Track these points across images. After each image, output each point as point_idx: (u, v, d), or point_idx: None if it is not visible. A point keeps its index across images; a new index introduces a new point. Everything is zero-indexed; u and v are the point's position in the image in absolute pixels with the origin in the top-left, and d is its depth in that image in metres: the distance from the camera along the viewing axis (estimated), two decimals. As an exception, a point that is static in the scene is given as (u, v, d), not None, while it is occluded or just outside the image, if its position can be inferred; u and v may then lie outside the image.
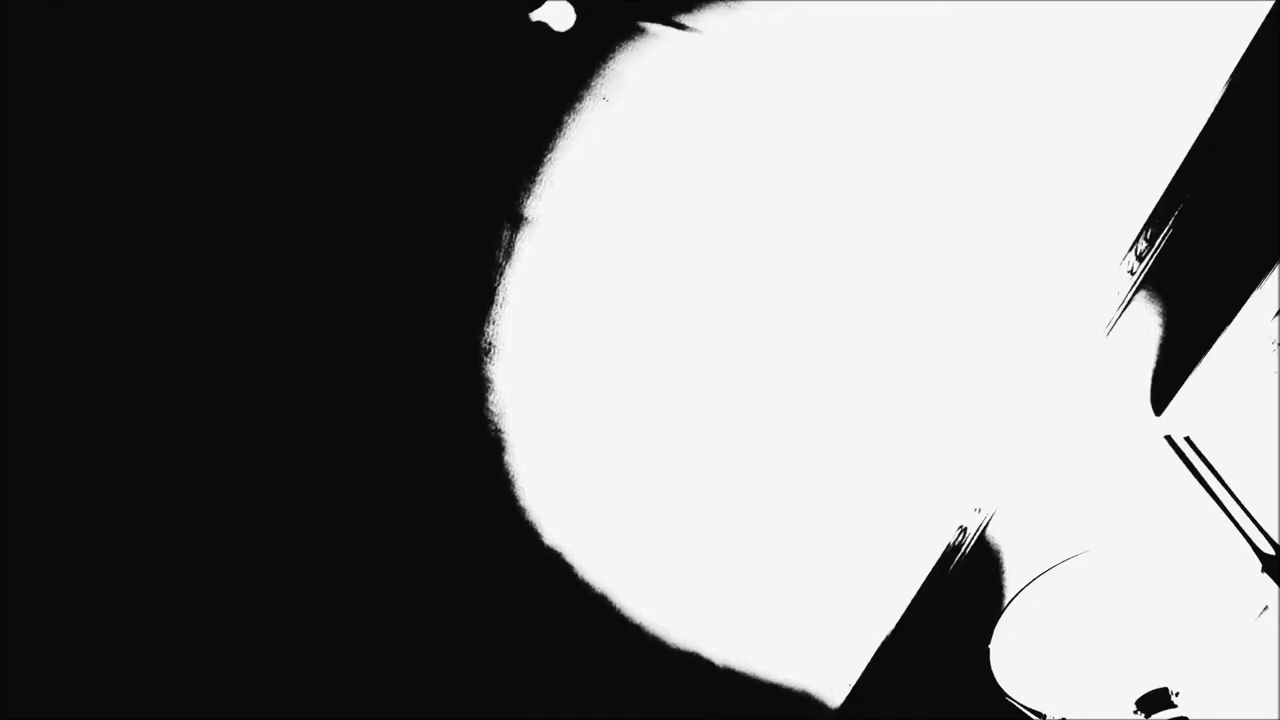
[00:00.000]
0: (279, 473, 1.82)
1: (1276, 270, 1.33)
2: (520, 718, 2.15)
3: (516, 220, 1.56)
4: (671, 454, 1.76)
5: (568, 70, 1.43)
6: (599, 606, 1.97)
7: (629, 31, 1.40)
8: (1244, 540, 1.51)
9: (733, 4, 1.36)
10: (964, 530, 1.76)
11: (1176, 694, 1.42)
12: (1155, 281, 1.47)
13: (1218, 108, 1.33)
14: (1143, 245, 1.44)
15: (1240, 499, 1.48)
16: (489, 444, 1.78)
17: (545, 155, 1.51)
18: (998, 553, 1.77)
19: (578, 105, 1.46)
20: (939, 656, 1.93)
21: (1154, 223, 1.42)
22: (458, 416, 1.76)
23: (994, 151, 1.42)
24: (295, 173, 1.54)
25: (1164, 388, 1.53)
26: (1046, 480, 1.68)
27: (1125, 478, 1.62)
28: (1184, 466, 1.55)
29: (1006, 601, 1.53)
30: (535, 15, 1.38)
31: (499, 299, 1.64)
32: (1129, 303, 1.49)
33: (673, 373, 1.68)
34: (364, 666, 2.09)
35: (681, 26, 1.39)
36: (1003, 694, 1.62)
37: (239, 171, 1.54)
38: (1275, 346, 1.34)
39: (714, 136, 1.46)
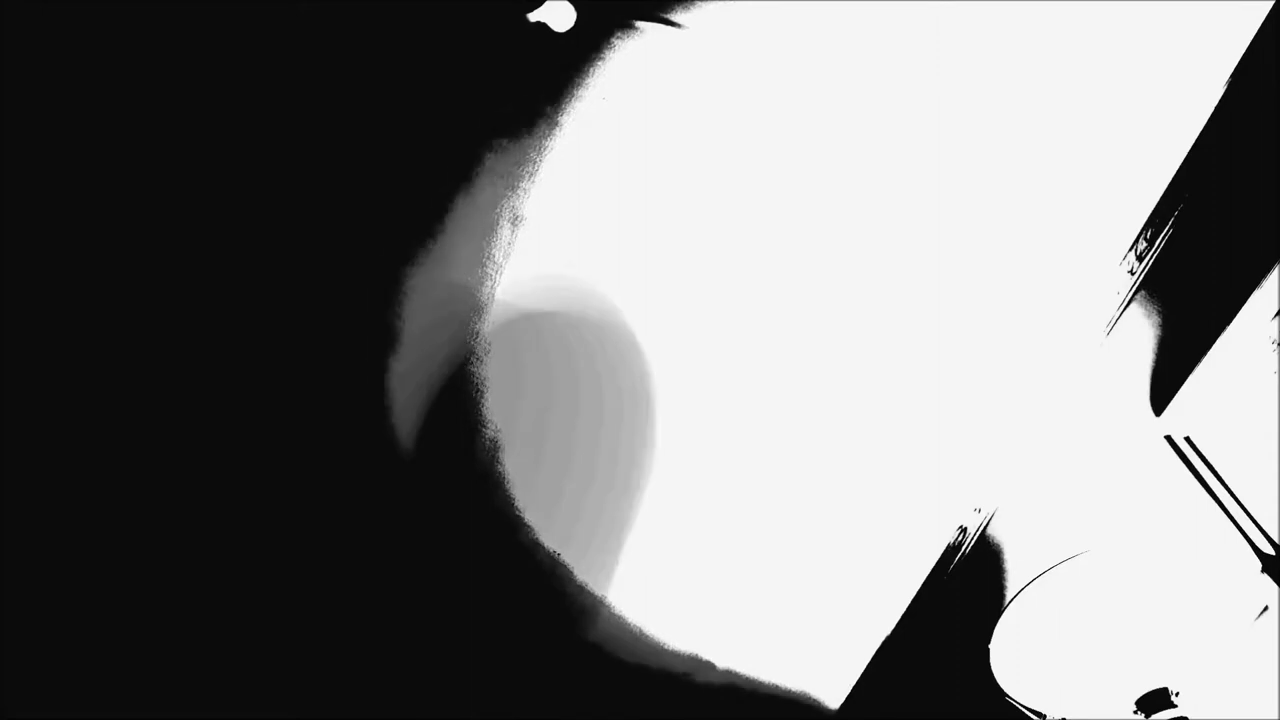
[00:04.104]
0: (274, 476, 1.82)
1: (1276, 270, 1.33)
2: (520, 718, 2.15)
3: (515, 220, 1.56)
4: (669, 453, 1.76)
5: (568, 70, 1.43)
6: (598, 608, 1.97)
7: (628, 31, 1.40)
8: (1244, 540, 1.51)
9: (732, 3, 1.36)
10: (964, 530, 1.76)
11: (1176, 694, 1.42)
12: (1155, 281, 1.47)
13: (1218, 108, 1.33)
14: (1143, 245, 1.44)
15: (1240, 499, 1.48)
16: (487, 445, 1.78)
17: (545, 155, 1.51)
18: (998, 553, 1.77)
19: (577, 105, 1.46)
20: (939, 656, 1.93)
21: (1154, 223, 1.42)
22: (456, 418, 1.75)
23: (993, 151, 1.42)
24: (293, 172, 1.54)
25: (1164, 388, 1.53)
26: (1046, 480, 1.67)
27: (1125, 478, 1.62)
28: (1184, 466, 1.55)
29: (1006, 601, 1.53)
30: (535, 15, 1.38)
31: (497, 299, 1.64)
32: (1129, 303, 1.49)
33: (671, 372, 1.68)
34: (363, 669, 2.09)
35: (681, 26, 1.39)
36: (1003, 694, 1.62)
37: (237, 172, 1.54)
38: (1275, 346, 1.34)
39: (714, 136, 1.46)
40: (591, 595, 1.96)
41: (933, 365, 1.60)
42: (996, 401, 1.62)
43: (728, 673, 2.03)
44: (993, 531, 1.76)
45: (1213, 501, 1.52)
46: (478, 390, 1.73)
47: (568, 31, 1.40)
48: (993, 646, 1.54)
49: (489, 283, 1.62)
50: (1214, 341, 1.41)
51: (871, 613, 1.90)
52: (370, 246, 1.60)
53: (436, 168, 1.53)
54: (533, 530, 1.88)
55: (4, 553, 1.82)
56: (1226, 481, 1.48)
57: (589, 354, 1.68)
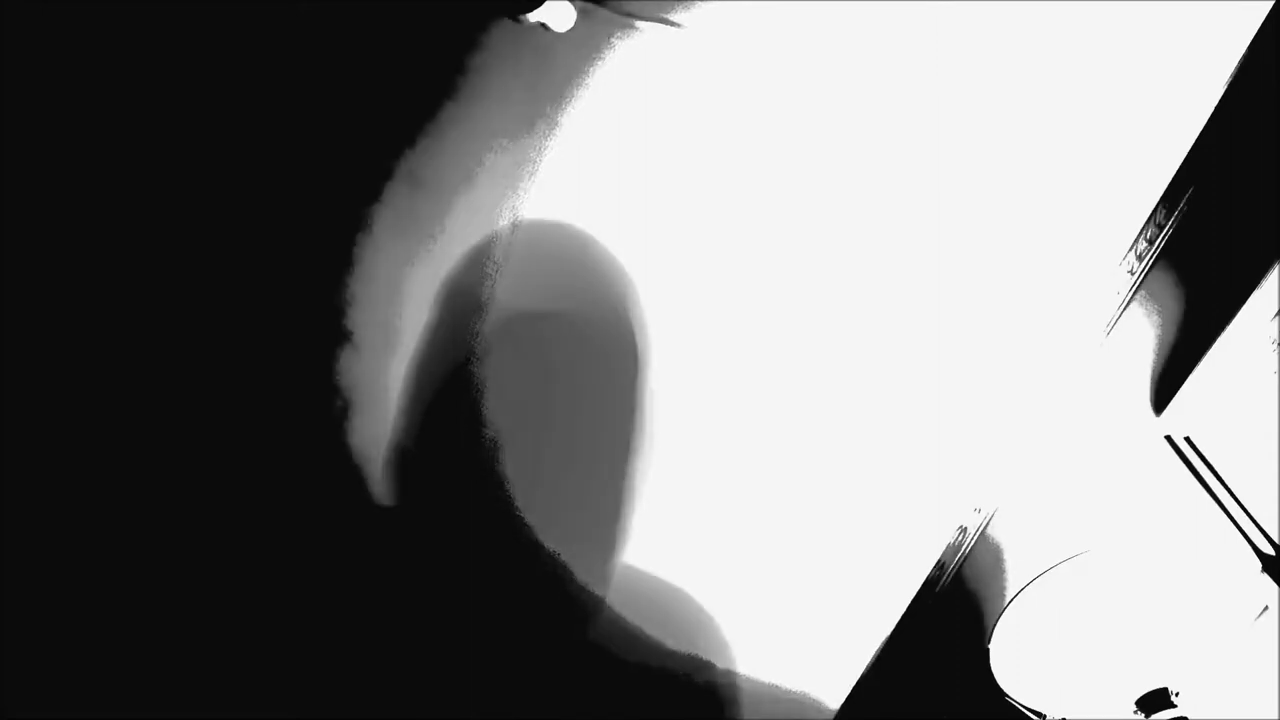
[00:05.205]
0: (273, 477, 1.82)
1: (1276, 270, 1.33)
2: (520, 718, 2.15)
3: (515, 220, 1.56)
4: (667, 453, 1.76)
5: (568, 70, 1.43)
6: (597, 608, 1.97)
7: (628, 31, 1.40)
8: (1244, 540, 1.51)
9: (732, 3, 1.36)
10: (964, 530, 1.76)
11: (1176, 694, 1.42)
12: (1155, 282, 1.47)
13: (1217, 108, 1.33)
14: (1142, 245, 1.44)
15: (1240, 499, 1.48)
16: (487, 445, 1.78)
17: (544, 155, 1.51)
18: (998, 553, 1.77)
19: (577, 105, 1.46)
20: (939, 656, 1.93)
21: (1154, 223, 1.42)
22: (456, 418, 1.75)
23: (993, 151, 1.42)
24: (292, 172, 1.54)
25: (1164, 388, 1.53)
26: (1046, 480, 1.67)
27: (1125, 478, 1.62)
28: (1184, 466, 1.55)
29: (1006, 601, 1.53)
30: (535, 15, 1.38)
31: (494, 300, 1.64)
32: (1129, 303, 1.49)
33: (669, 372, 1.68)
34: (363, 669, 2.09)
35: (681, 26, 1.39)
36: (1003, 694, 1.62)
37: (236, 172, 1.54)
38: (1275, 346, 1.34)
39: (714, 137, 1.46)
40: (591, 595, 1.96)
41: (933, 365, 1.60)
42: (996, 402, 1.62)
43: (728, 673, 2.03)
44: (993, 531, 1.76)
45: (1213, 501, 1.52)
46: (478, 390, 1.73)
47: (568, 31, 1.40)
48: (993, 646, 1.54)
49: (489, 283, 1.62)
50: (1214, 341, 1.41)
51: (871, 613, 1.90)
52: (370, 247, 1.60)
53: (436, 167, 1.53)
54: (533, 530, 1.88)
55: (4, 553, 1.82)
56: (1226, 481, 1.48)
57: (589, 354, 1.68)
